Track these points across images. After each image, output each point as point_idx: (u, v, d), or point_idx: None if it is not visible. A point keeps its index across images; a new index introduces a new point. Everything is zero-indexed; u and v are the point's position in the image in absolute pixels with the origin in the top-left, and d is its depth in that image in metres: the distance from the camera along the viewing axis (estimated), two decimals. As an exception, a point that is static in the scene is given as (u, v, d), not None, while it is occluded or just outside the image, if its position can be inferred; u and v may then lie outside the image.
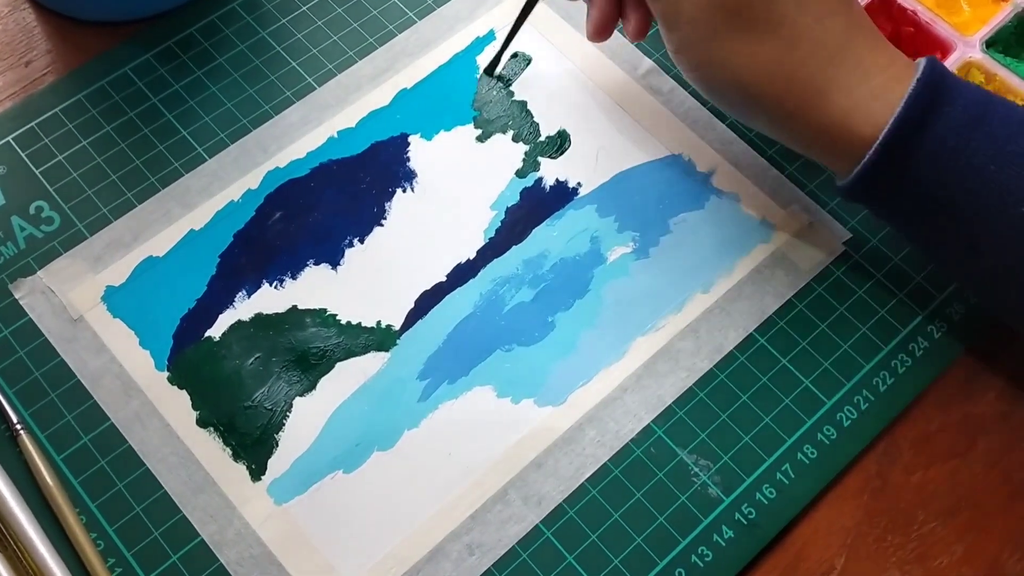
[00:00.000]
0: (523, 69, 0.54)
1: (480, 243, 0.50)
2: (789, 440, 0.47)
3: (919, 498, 0.46)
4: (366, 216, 0.51)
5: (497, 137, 0.53)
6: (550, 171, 0.52)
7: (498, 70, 0.54)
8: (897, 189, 0.43)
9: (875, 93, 0.42)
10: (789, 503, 0.45)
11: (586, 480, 0.45)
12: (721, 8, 0.43)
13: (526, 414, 0.46)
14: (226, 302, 0.48)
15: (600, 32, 0.50)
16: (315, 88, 0.54)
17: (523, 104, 0.54)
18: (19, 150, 0.51)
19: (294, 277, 0.49)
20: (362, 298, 0.49)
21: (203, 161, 0.52)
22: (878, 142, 0.42)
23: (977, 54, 0.54)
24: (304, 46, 0.55)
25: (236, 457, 0.45)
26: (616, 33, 0.55)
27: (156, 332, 0.47)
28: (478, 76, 0.54)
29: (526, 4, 0.51)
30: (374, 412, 0.46)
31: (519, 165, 0.52)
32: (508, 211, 0.51)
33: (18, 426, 0.45)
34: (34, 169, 0.51)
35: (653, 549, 0.44)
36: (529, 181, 0.52)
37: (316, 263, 0.49)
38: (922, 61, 0.43)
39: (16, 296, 0.48)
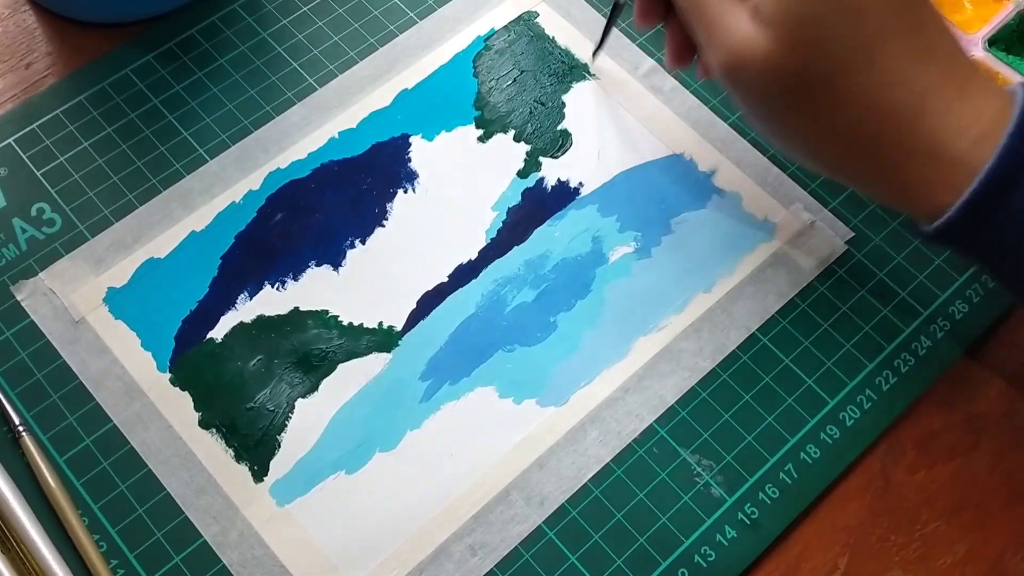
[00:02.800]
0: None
1: (482, 243, 0.50)
2: (792, 440, 0.46)
3: (922, 498, 0.46)
4: (368, 217, 0.51)
5: (498, 137, 0.53)
6: (551, 171, 0.52)
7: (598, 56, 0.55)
8: (981, 241, 0.41)
9: (959, 160, 0.39)
10: (792, 503, 0.45)
11: (588, 480, 0.45)
12: (779, 87, 0.40)
13: (528, 414, 0.46)
14: (228, 304, 0.48)
15: (677, 61, 0.47)
16: (316, 89, 0.54)
17: (526, 103, 0.54)
18: (20, 152, 0.51)
19: (296, 278, 0.49)
20: (364, 299, 0.49)
21: (204, 162, 0.52)
22: (957, 206, 0.39)
23: (979, 52, 0.54)
24: (305, 47, 0.55)
25: (238, 458, 0.45)
26: (615, 31, 0.56)
27: (158, 334, 0.47)
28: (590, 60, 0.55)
29: (614, 8, 0.51)
30: (376, 413, 0.46)
31: (520, 165, 0.52)
32: (510, 211, 0.51)
33: (20, 428, 0.45)
34: (35, 171, 0.51)
35: (656, 549, 0.44)
36: (530, 181, 0.52)
37: (318, 264, 0.49)
38: (1017, 104, 0.39)
39: (18, 298, 0.48)
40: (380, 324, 0.48)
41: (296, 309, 0.48)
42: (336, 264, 0.50)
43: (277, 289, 0.49)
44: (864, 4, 0.39)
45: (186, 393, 0.46)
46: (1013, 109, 0.39)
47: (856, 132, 0.40)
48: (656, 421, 0.47)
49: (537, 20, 0.56)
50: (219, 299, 0.48)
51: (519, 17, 0.56)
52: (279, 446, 0.45)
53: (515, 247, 0.50)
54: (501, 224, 0.51)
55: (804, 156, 0.44)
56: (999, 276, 0.43)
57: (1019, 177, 0.39)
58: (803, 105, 0.41)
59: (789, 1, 0.39)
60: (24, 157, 0.51)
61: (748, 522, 0.45)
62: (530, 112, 0.54)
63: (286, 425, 0.46)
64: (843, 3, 0.39)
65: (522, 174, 0.52)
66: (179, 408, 0.46)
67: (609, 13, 0.52)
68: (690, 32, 0.44)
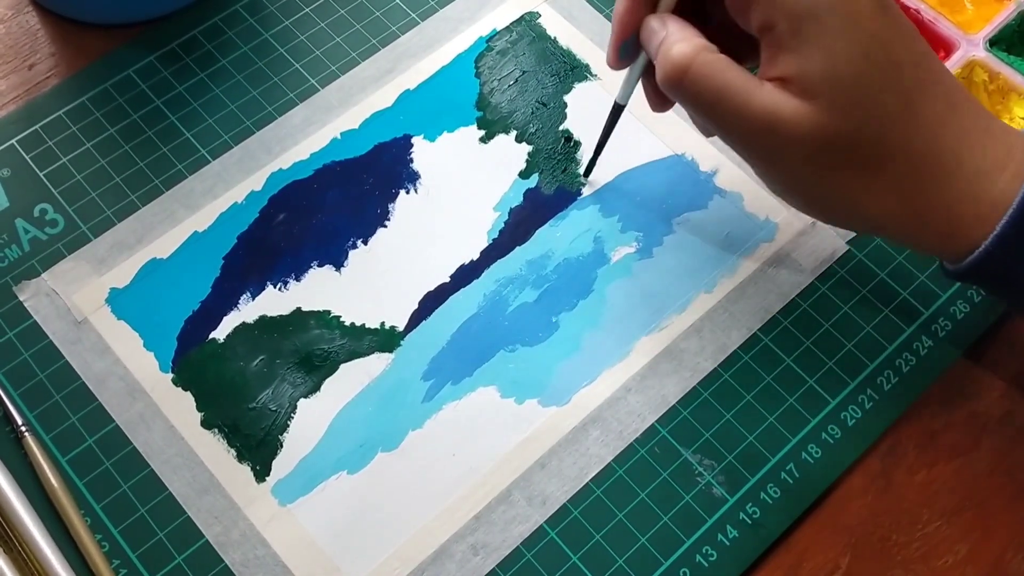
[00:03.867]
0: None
1: (483, 244, 0.50)
2: (793, 439, 0.47)
3: (923, 497, 0.46)
4: (370, 217, 0.51)
5: (500, 138, 0.53)
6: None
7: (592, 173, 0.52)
8: (1009, 277, 0.42)
9: (997, 199, 0.40)
10: (793, 502, 0.45)
11: (590, 480, 0.45)
12: (833, 154, 0.39)
13: (530, 414, 0.46)
14: (230, 304, 0.48)
15: (663, 105, 0.47)
16: (318, 90, 0.54)
17: (528, 103, 0.54)
18: (23, 153, 0.52)
19: (298, 279, 0.49)
20: (366, 300, 0.49)
21: (206, 163, 0.52)
22: (987, 242, 0.40)
23: (980, 53, 0.54)
24: (307, 48, 0.55)
25: (241, 458, 0.45)
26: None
27: (160, 334, 0.47)
28: (580, 178, 0.52)
29: (612, 113, 0.49)
30: (378, 413, 0.46)
31: (522, 166, 0.52)
32: (511, 212, 0.51)
33: (23, 428, 0.45)
34: (38, 172, 0.51)
35: (658, 549, 0.44)
36: (532, 181, 0.52)
37: (320, 265, 0.50)
38: None
39: (21, 298, 0.48)
40: (382, 324, 0.48)
41: (298, 309, 0.48)
42: (338, 264, 0.50)
43: (279, 289, 0.49)
44: (900, 58, 0.39)
45: (188, 393, 0.46)
46: None
47: (906, 184, 0.40)
48: (658, 421, 0.47)
49: (539, 21, 0.56)
50: (221, 299, 0.48)
51: (521, 18, 0.56)
52: (281, 446, 0.45)
53: (517, 247, 0.50)
54: (503, 224, 0.51)
55: (851, 217, 0.43)
56: None
57: None
58: (854, 167, 0.40)
59: (835, 64, 0.38)
60: (27, 158, 0.51)
61: (750, 522, 0.45)
62: (532, 113, 0.54)
63: (288, 425, 0.46)
64: (884, 60, 0.39)
65: (524, 174, 0.52)
66: (181, 408, 0.46)
67: (607, 121, 0.49)
68: (718, 132, 0.42)
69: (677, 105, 0.53)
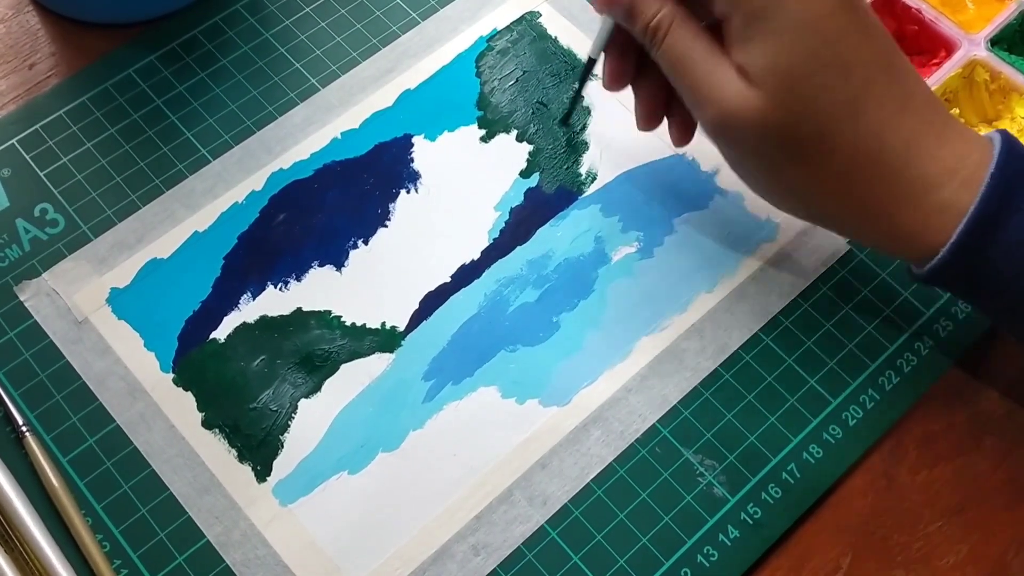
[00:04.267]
0: (588, 117, 0.54)
1: (484, 244, 0.50)
2: (795, 439, 0.47)
3: (925, 497, 0.46)
4: (370, 217, 0.51)
5: (501, 137, 0.53)
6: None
7: (571, 119, 0.53)
8: (970, 281, 0.42)
9: (944, 206, 0.41)
10: (794, 503, 0.45)
11: (591, 480, 0.45)
12: (771, 143, 0.41)
13: (531, 414, 0.46)
14: (231, 304, 0.48)
15: (648, 123, 0.48)
16: (319, 89, 0.54)
17: (530, 105, 0.54)
18: (23, 152, 0.52)
19: (298, 279, 0.49)
20: (366, 300, 0.49)
21: (207, 163, 0.52)
22: (945, 249, 0.41)
23: (982, 52, 0.54)
24: (308, 47, 0.55)
25: (241, 458, 0.45)
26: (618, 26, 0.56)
27: (161, 334, 0.47)
28: (555, 124, 0.53)
29: (585, 68, 0.49)
30: (379, 413, 0.46)
31: (523, 165, 0.52)
32: (512, 211, 0.51)
33: (23, 428, 0.45)
34: (38, 171, 0.51)
35: (659, 549, 0.44)
36: (533, 181, 0.52)
37: (320, 265, 0.49)
38: (996, 144, 0.41)
39: (21, 298, 0.48)
40: (383, 324, 0.48)
41: (299, 309, 0.48)
42: (339, 264, 0.50)
43: (280, 289, 0.49)
44: (850, 59, 0.40)
45: (189, 393, 0.46)
46: (992, 152, 0.41)
47: (847, 183, 0.41)
48: (659, 421, 0.47)
49: (539, 20, 0.56)
50: (222, 299, 0.48)
51: (521, 17, 0.56)
52: (282, 446, 0.45)
53: (517, 247, 0.50)
54: (504, 224, 0.51)
55: (796, 208, 0.45)
56: (996, 315, 0.45)
57: (1002, 217, 0.40)
58: (795, 159, 0.41)
59: (778, 60, 0.40)
60: (27, 158, 0.51)
61: (751, 522, 0.45)
62: (532, 112, 0.54)
63: (289, 425, 0.46)
64: (831, 59, 0.40)
65: (524, 174, 0.52)
66: (182, 408, 0.46)
67: (580, 74, 0.50)
68: (678, 91, 0.44)
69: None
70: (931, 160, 0.41)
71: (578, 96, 0.52)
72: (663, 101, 0.47)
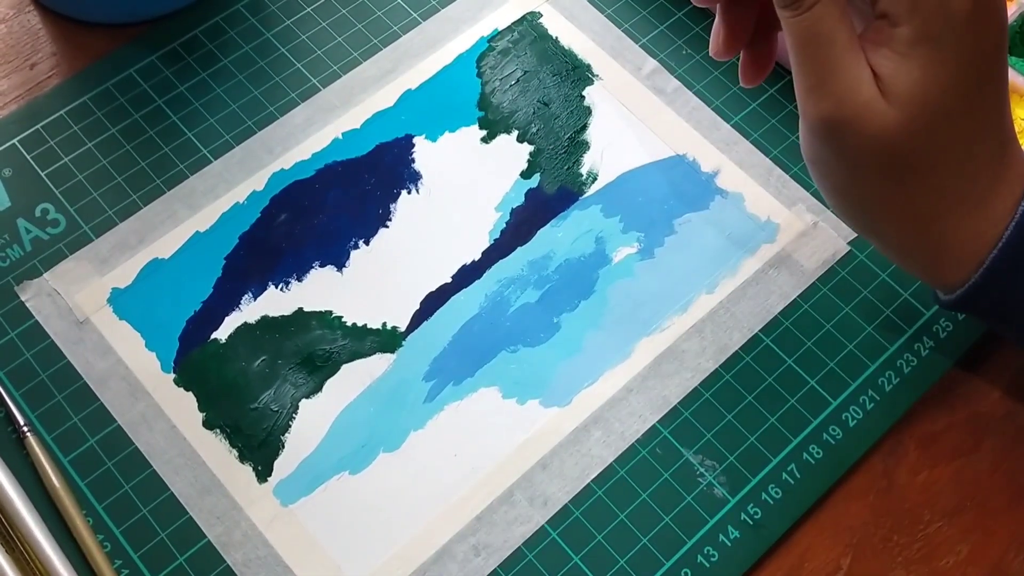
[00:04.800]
0: (588, 117, 0.53)
1: (485, 244, 0.50)
2: (795, 440, 0.47)
3: (925, 498, 0.46)
4: (371, 218, 0.51)
5: (502, 138, 0.53)
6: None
7: None
8: (1000, 307, 0.42)
9: (995, 238, 0.41)
10: (795, 503, 0.45)
11: (592, 481, 0.45)
12: (880, 160, 0.39)
13: (531, 415, 0.46)
14: (232, 304, 0.48)
15: (727, 48, 0.45)
16: (320, 89, 0.54)
17: (529, 103, 0.54)
18: (25, 152, 0.52)
19: (300, 279, 0.49)
20: (367, 300, 0.49)
21: (208, 163, 0.52)
22: (978, 274, 0.41)
23: (982, 53, 0.54)
24: (309, 47, 0.55)
25: (242, 459, 0.45)
26: (620, 33, 0.56)
27: (162, 334, 0.47)
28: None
29: None
30: (380, 413, 0.46)
31: (524, 166, 0.52)
32: (513, 212, 0.51)
33: (25, 428, 0.45)
34: (40, 171, 0.51)
35: (659, 550, 0.44)
36: (534, 182, 0.52)
37: (321, 265, 0.50)
38: None
39: (22, 298, 0.48)
40: (384, 325, 0.48)
41: (300, 310, 0.48)
42: (340, 265, 0.50)
43: (281, 290, 0.49)
44: (977, 104, 0.39)
45: (190, 393, 0.46)
46: None
47: (929, 214, 0.41)
48: (659, 421, 0.47)
49: (540, 21, 0.56)
50: (223, 300, 0.48)
51: (522, 18, 0.56)
52: (283, 446, 0.45)
53: (518, 248, 0.50)
54: (504, 225, 0.51)
55: (866, 226, 0.44)
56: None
57: None
58: (899, 182, 0.40)
59: (930, 89, 0.38)
60: (28, 158, 0.51)
61: (751, 522, 0.45)
62: (533, 112, 0.54)
63: (290, 425, 0.46)
64: (973, 103, 0.39)
65: (525, 175, 0.52)
66: (183, 408, 0.46)
67: None
68: (795, 68, 0.40)
69: (679, 107, 0.53)
70: (1000, 201, 0.41)
71: None
72: (749, 28, 0.45)
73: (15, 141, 0.52)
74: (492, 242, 0.50)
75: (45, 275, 0.49)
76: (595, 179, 0.52)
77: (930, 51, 0.38)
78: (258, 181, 0.51)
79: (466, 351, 0.48)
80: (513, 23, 0.56)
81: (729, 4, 0.44)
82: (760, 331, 0.49)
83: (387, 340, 0.48)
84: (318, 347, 0.48)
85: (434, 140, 0.53)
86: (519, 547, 0.44)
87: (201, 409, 0.46)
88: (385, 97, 0.54)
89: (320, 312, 0.48)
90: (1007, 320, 0.43)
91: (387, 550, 0.44)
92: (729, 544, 0.44)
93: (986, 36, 0.38)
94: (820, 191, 0.44)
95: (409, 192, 0.52)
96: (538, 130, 0.53)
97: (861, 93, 0.38)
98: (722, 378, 0.48)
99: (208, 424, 0.46)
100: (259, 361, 0.47)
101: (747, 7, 0.44)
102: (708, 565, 0.44)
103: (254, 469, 0.45)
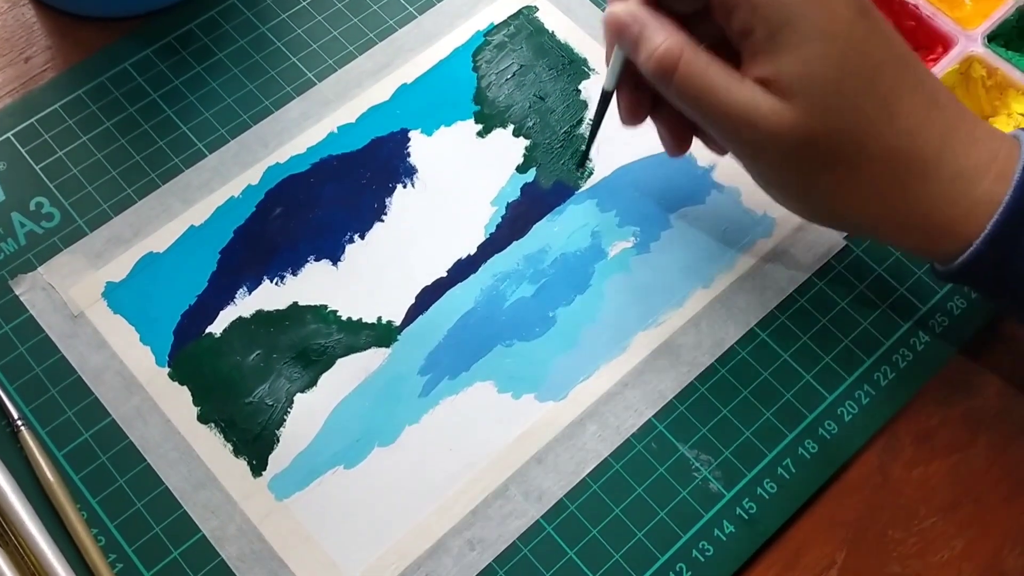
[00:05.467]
0: (584, 111, 0.53)
1: (481, 238, 0.50)
2: (790, 435, 0.47)
3: (920, 493, 0.46)
4: (366, 212, 0.51)
5: (498, 132, 0.53)
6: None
7: (588, 164, 0.52)
8: (1000, 277, 0.42)
9: (980, 200, 0.41)
10: (790, 498, 0.45)
11: (587, 475, 0.45)
12: (809, 153, 0.40)
13: (527, 409, 0.46)
14: (227, 298, 0.48)
15: (679, 148, 0.47)
16: (315, 83, 0.54)
17: (526, 98, 0.54)
18: (19, 146, 0.51)
19: (295, 273, 0.49)
20: (363, 294, 0.49)
21: (203, 157, 0.52)
22: (978, 242, 0.41)
23: (979, 48, 0.54)
24: (304, 41, 0.55)
25: (237, 453, 0.45)
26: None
27: (157, 328, 0.47)
28: (576, 169, 0.52)
29: (601, 101, 0.47)
30: (375, 408, 0.46)
31: (520, 160, 0.52)
32: (509, 206, 0.51)
33: (19, 422, 0.45)
34: (34, 165, 0.51)
35: (654, 544, 0.44)
36: (530, 176, 0.52)
37: (317, 259, 0.49)
38: (1023, 148, 0.41)
39: (16, 292, 0.48)
40: (379, 319, 0.48)
41: (295, 304, 0.48)
42: (335, 259, 0.50)
43: (276, 284, 0.49)
44: (877, 61, 0.40)
45: (185, 388, 0.46)
46: (1020, 148, 0.41)
47: (884, 185, 0.41)
48: (655, 416, 0.47)
49: (536, 15, 0.56)
50: (218, 294, 0.48)
51: (518, 12, 0.56)
52: (278, 441, 0.45)
53: (514, 242, 0.50)
54: (500, 219, 0.51)
55: (832, 217, 0.44)
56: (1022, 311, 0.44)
57: None
58: (833, 167, 0.41)
59: (809, 67, 0.39)
60: (23, 151, 0.51)
61: (746, 517, 0.45)
62: (529, 107, 0.54)
63: (285, 420, 0.46)
64: (860, 63, 0.39)
65: (521, 169, 0.52)
66: (178, 402, 0.46)
67: (596, 109, 0.48)
68: (702, 123, 0.42)
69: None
70: (965, 156, 0.41)
71: (594, 135, 0.49)
72: (688, 123, 0.45)
73: (9, 135, 0.52)
74: (488, 236, 0.50)
75: (39, 269, 0.48)
76: (591, 173, 0.52)
77: (788, 36, 0.39)
78: (253, 175, 0.51)
79: (461, 345, 0.48)
80: (509, 17, 0.56)
81: (660, 109, 0.46)
82: (756, 325, 0.49)
83: (382, 334, 0.48)
84: (313, 341, 0.47)
85: (430, 134, 0.53)
86: (514, 541, 0.44)
87: (196, 403, 0.46)
88: (380, 91, 0.54)
89: (315, 306, 0.48)
90: (1007, 290, 0.43)
91: (382, 544, 0.44)
92: (724, 539, 0.44)
93: (837, 3, 0.39)
94: (798, 214, 0.45)
95: (404, 186, 0.51)
96: (534, 124, 0.53)
97: (760, 107, 0.40)
98: (718, 372, 0.48)
99: (203, 418, 0.46)
100: (254, 355, 0.47)
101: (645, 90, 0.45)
102: (703, 560, 0.44)
103: (249, 463, 0.45)
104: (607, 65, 0.45)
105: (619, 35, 0.42)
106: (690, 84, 0.40)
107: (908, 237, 0.43)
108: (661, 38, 0.41)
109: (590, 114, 0.53)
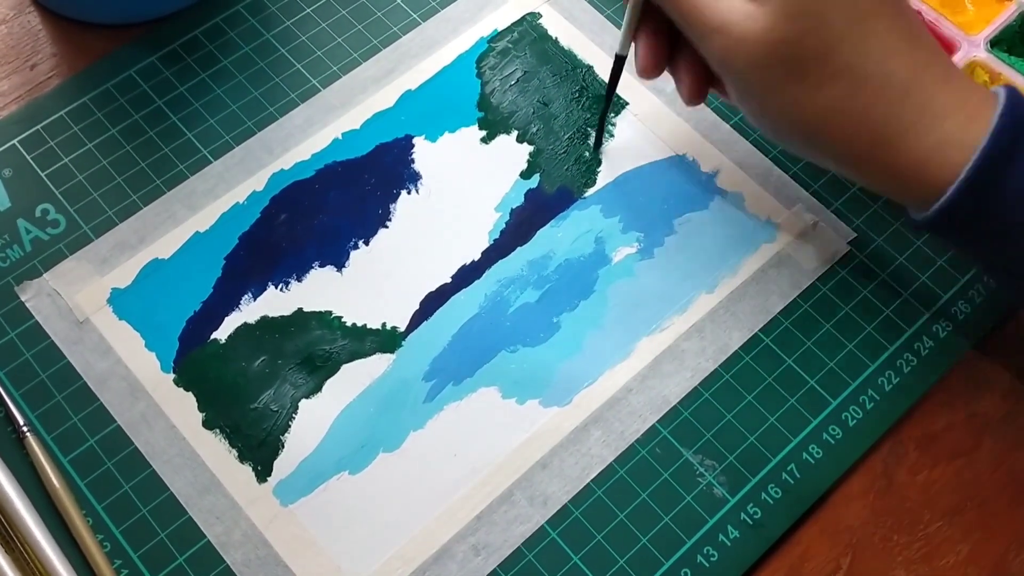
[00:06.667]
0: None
1: (485, 244, 0.50)
2: (795, 440, 0.47)
3: (925, 497, 0.46)
4: (371, 218, 0.51)
5: (502, 138, 0.53)
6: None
7: (603, 144, 0.53)
8: (977, 224, 0.41)
9: (949, 138, 0.40)
10: (795, 503, 0.45)
11: (591, 480, 0.45)
12: (777, 60, 0.41)
13: (531, 415, 0.46)
14: (232, 304, 0.48)
15: (694, 98, 0.46)
16: (320, 90, 0.54)
17: (529, 103, 0.54)
18: (25, 153, 0.52)
19: (299, 279, 0.49)
20: (367, 300, 0.49)
21: (208, 163, 0.52)
22: (955, 187, 0.40)
23: (981, 53, 0.54)
24: (309, 48, 0.55)
25: (242, 459, 0.45)
26: (613, 28, 0.56)
27: (162, 334, 0.47)
28: (588, 154, 0.53)
29: (615, 66, 0.48)
30: (379, 414, 0.46)
31: (523, 166, 0.52)
32: (513, 212, 0.51)
33: (24, 428, 0.45)
34: (40, 172, 0.51)
35: (659, 549, 0.44)
36: (533, 182, 0.52)
37: (321, 265, 0.50)
38: (1001, 93, 0.41)
39: (22, 299, 0.48)
40: (383, 325, 0.48)
41: (300, 310, 0.48)
42: (340, 265, 0.50)
43: (281, 290, 0.49)
44: None
45: (190, 393, 0.46)
46: (996, 98, 0.41)
47: (849, 106, 0.41)
48: (659, 421, 0.47)
49: (540, 21, 0.56)
50: (223, 300, 0.48)
51: (522, 18, 0.56)
52: (283, 446, 0.45)
53: (518, 248, 0.50)
54: (504, 225, 0.51)
55: (798, 134, 0.44)
56: (994, 264, 0.44)
57: (1016, 154, 0.40)
58: (799, 76, 0.41)
59: None
60: (28, 158, 0.51)
61: (751, 522, 0.45)
62: (533, 113, 0.54)
63: (290, 425, 0.46)
64: None
65: (525, 175, 0.52)
66: (183, 408, 0.46)
67: (610, 75, 0.49)
68: (684, 31, 0.43)
69: (679, 107, 0.53)
70: (937, 91, 0.41)
71: (607, 107, 0.50)
72: (704, 74, 0.45)
73: (15, 142, 0.52)
74: (492, 242, 0.50)
75: (45, 275, 0.49)
76: (595, 179, 0.52)
77: None
78: (258, 181, 0.51)
79: (466, 351, 0.48)
80: (513, 24, 0.56)
81: (678, 60, 0.46)
82: (760, 331, 0.49)
83: (387, 340, 0.48)
84: (318, 347, 0.48)
85: (434, 140, 0.53)
86: (519, 547, 0.44)
87: (201, 409, 0.46)
88: (385, 97, 0.54)
89: (320, 312, 0.48)
90: (982, 240, 0.42)
91: (387, 550, 0.44)
92: (729, 544, 0.44)
93: None
94: (770, 134, 0.45)
95: (409, 192, 0.52)
96: (538, 130, 0.53)
97: (735, 12, 0.41)
98: (722, 378, 0.48)
99: (208, 424, 0.46)
100: (259, 361, 0.47)
101: (692, 55, 0.45)
102: (708, 565, 0.44)
103: (254, 469, 0.45)
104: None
105: None
106: None
107: (873, 167, 0.42)
108: None
109: (595, 119, 0.54)
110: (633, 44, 0.47)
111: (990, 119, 0.40)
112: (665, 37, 0.46)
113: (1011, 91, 0.41)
